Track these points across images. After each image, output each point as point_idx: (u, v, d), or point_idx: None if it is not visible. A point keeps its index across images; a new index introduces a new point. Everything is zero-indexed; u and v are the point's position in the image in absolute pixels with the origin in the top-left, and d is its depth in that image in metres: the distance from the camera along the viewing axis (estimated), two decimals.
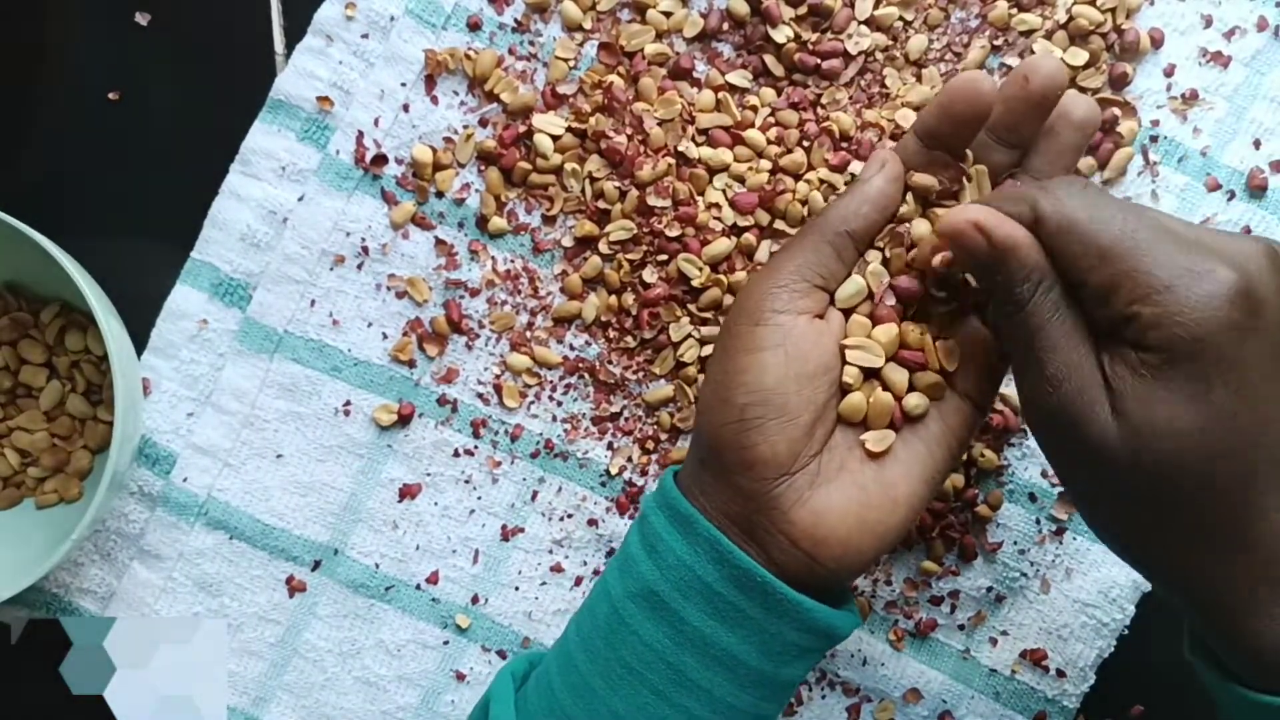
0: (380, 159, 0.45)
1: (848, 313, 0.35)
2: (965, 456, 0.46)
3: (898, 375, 0.35)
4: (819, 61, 0.45)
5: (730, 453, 0.33)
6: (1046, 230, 0.30)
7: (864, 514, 0.33)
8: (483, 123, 0.46)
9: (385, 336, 0.46)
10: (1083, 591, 0.47)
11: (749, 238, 0.45)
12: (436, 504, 0.47)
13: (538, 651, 0.40)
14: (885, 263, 0.35)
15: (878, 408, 0.34)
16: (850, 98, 0.46)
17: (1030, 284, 0.30)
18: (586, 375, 0.47)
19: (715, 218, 0.45)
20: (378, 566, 0.47)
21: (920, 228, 0.35)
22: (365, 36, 0.45)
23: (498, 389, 0.46)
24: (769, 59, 0.45)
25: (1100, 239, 0.29)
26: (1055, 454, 0.33)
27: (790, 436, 0.33)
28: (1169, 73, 0.46)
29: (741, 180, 0.45)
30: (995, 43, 0.46)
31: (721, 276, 0.45)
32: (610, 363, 0.46)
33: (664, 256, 0.45)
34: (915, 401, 0.34)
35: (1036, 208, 0.30)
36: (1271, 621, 0.30)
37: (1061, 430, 0.31)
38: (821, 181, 0.45)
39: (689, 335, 0.45)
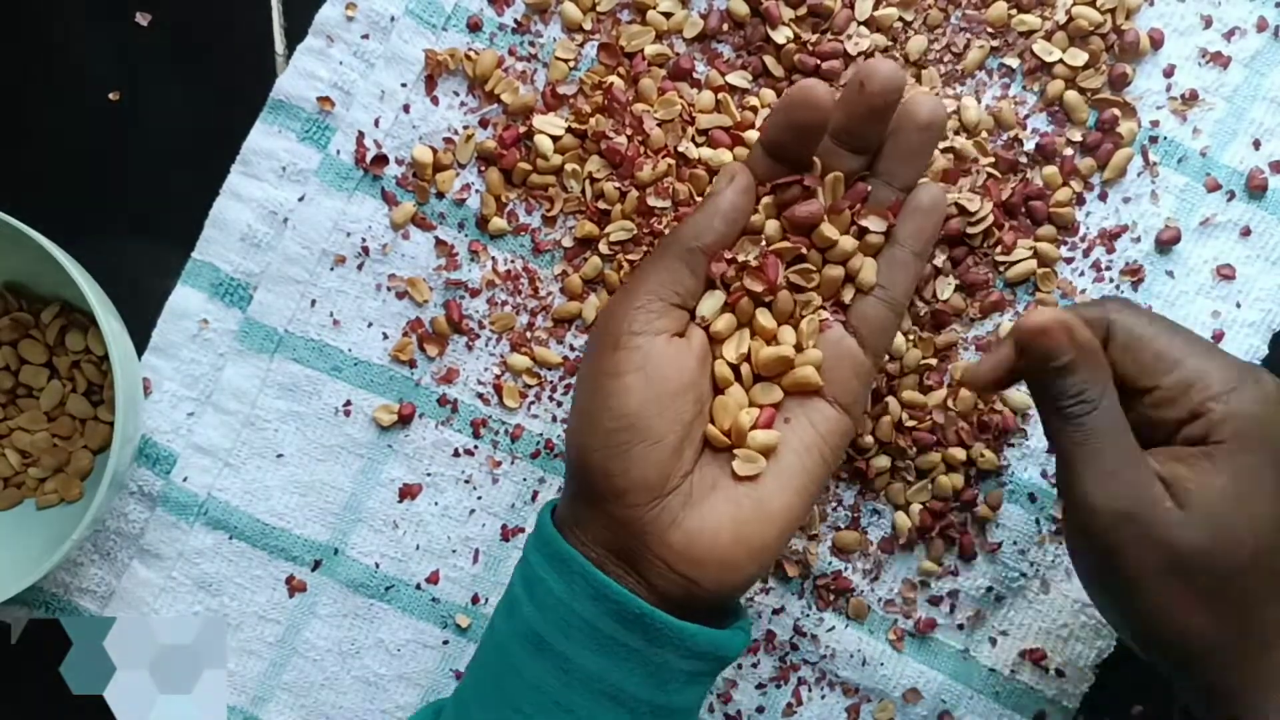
0: (381, 159, 0.45)
1: (708, 329, 0.36)
2: (965, 456, 0.46)
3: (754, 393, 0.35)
4: (819, 62, 0.45)
5: (600, 480, 0.33)
6: (1118, 341, 0.34)
7: (739, 530, 0.33)
8: (483, 123, 0.46)
9: (385, 336, 0.46)
10: (1082, 592, 0.47)
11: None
12: (437, 504, 0.47)
13: (443, 699, 0.39)
14: (740, 269, 0.35)
15: (738, 431, 0.34)
16: None
17: (1101, 385, 0.33)
18: None
19: None
20: (378, 566, 0.47)
21: (771, 228, 0.35)
22: (366, 37, 0.45)
23: (498, 389, 0.46)
24: (769, 60, 0.45)
25: (1172, 349, 0.34)
26: (1104, 550, 0.34)
27: (658, 459, 0.33)
28: (1169, 73, 0.46)
29: None
30: (994, 43, 0.46)
31: None
32: None
33: None
34: (764, 439, 0.34)
35: (1110, 320, 0.34)
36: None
37: (1120, 522, 0.32)
38: None
39: None
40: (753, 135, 0.45)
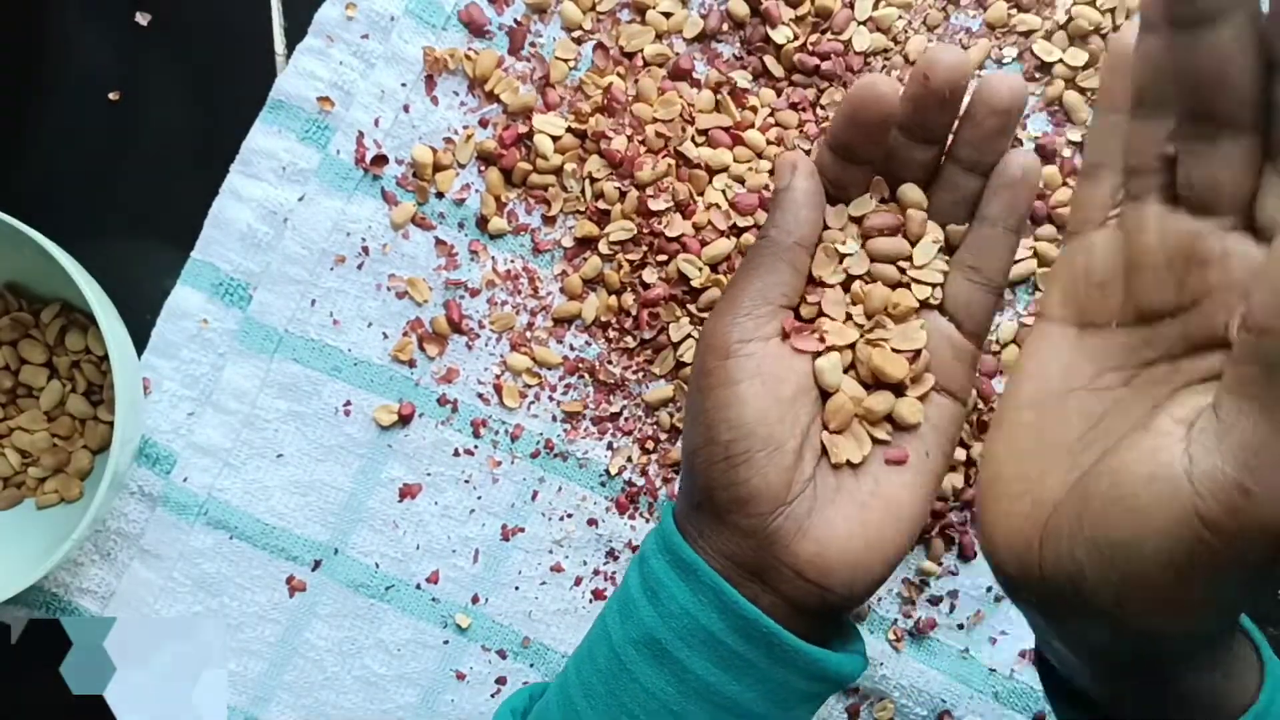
0: (380, 159, 0.45)
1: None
2: (965, 456, 0.46)
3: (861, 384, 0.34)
4: (819, 62, 0.45)
5: (722, 492, 0.32)
6: None
7: (868, 533, 0.32)
8: (483, 123, 0.46)
9: (385, 336, 0.46)
10: None
11: (749, 238, 0.45)
12: (437, 504, 0.47)
13: (539, 685, 0.39)
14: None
15: (843, 415, 0.33)
16: None
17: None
18: (586, 375, 0.47)
19: (714, 218, 0.45)
20: (378, 566, 0.47)
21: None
22: (365, 37, 0.45)
23: (498, 389, 0.46)
24: (769, 59, 0.45)
25: None
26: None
27: (780, 465, 0.32)
28: None
29: (741, 181, 0.45)
30: (995, 43, 0.46)
31: (721, 276, 0.45)
32: (610, 363, 0.46)
33: (664, 257, 0.45)
34: (908, 409, 0.33)
35: None
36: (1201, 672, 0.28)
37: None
38: None
39: (689, 335, 0.45)
40: (753, 135, 0.45)
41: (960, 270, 0.33)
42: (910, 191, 0.33)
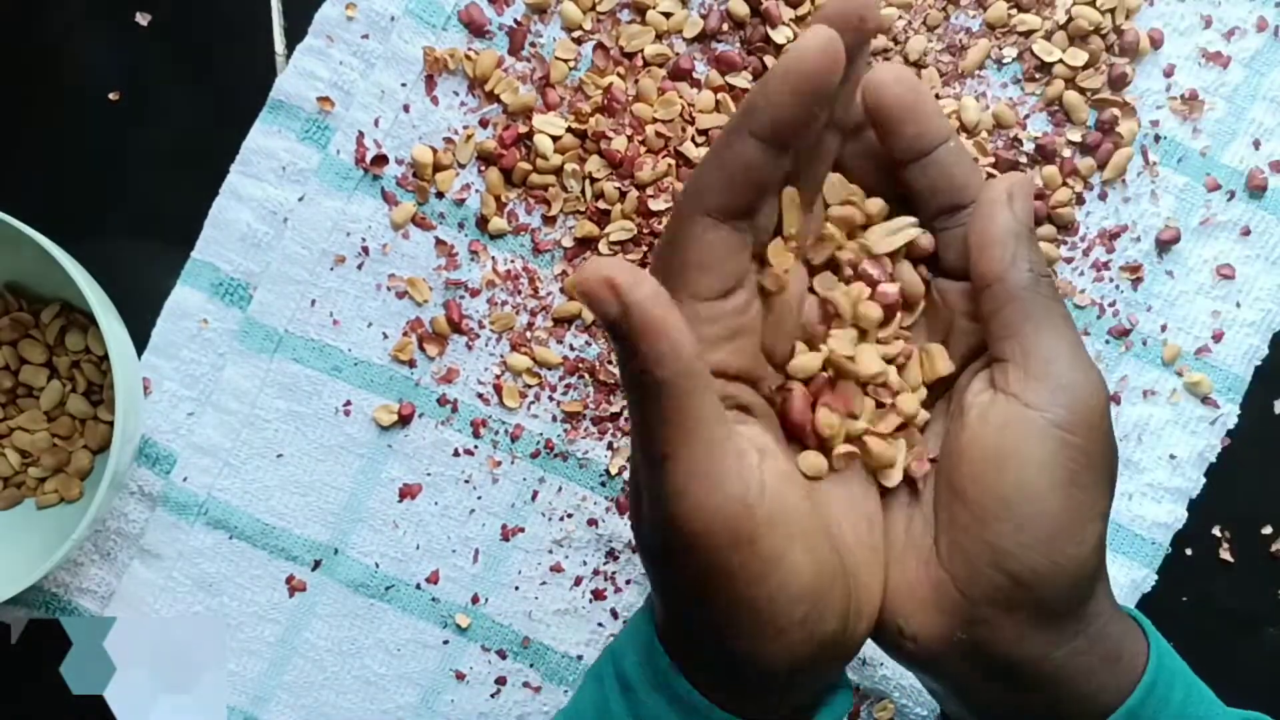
0: (380, 159, 0.45)
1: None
2: None
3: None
4: None
5: (813, 670, 0.28)
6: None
7: (915, 584, 0.30)
8: (483, 123, 0.46)
9: (385, 336, 0.46)
10: None
11: None
12: (436, 504, 0.47)
13: None
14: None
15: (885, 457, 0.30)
16: None
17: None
18: (587, 375, 0.47)
19: None
20: (378, 566, 0.47)
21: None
22: (365, 37, 0.45)
23: (498, 389, 0.46)
24: (769, 60, 0.45)
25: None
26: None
27: (846, 588, 0.28)
28: (1169, 73, 0.46)
29: None
30: (995, 43, 0.46)
31: None
32: (610, 363, 0.46)
33: None
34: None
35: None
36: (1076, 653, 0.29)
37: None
38: None
39: None
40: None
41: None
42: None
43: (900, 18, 0.45)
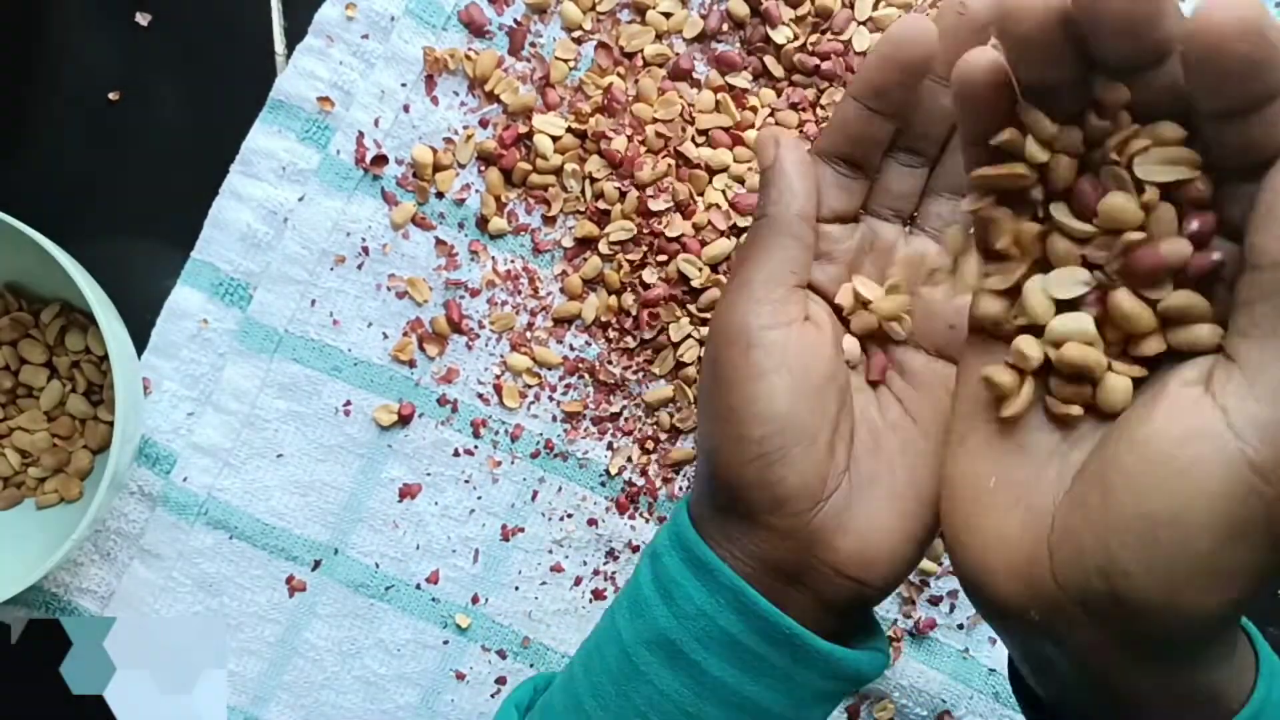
0: (380, 159, 0.45)
1: (837, 307, 0.32)
2: None
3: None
4: (819, 62, 0.45)
5: (757, 492, 0.30)
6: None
7: (905, 524, 0.31)
8: (483, 123, 0.46)
9: (385, 336, 0.46)
10: None
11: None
12: (436, 504, 0.47)
13: (543, 675, 0.38)
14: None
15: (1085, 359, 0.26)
16: None
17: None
18: (586, 375, 0.47)
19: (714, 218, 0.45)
20: (378, 566, 0.47)
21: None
22: (365, 37, 0.45)
23: (498, 389, 0.46)
24: (769, 60, 0.45)
25: None
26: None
27: (816, 459, 0.30)
28: None
29: (741, 181, 0.45)
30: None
31: (721, 276, 0.45)
32: (610, 363, 0.46)
33: (664, 257, 0.45)
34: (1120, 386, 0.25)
35: None
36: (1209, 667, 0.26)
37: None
38: None
39: (689, 335, 0.45)
40: (753, 135, 0.45)
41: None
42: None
43: (900, 18, 0.45)
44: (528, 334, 0.46)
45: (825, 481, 0.30)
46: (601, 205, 0.45)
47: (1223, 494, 0.22)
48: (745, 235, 0.33)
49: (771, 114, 0.46)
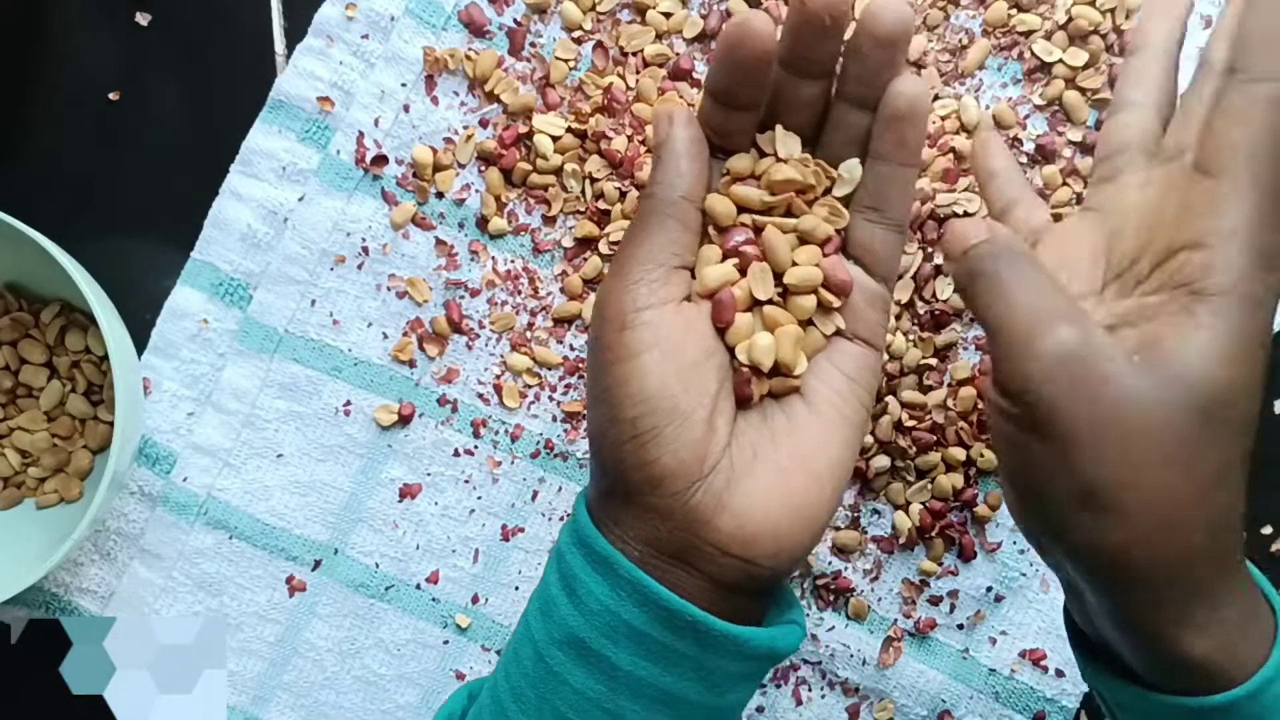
0: (380, 159, 0.45)
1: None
2: (964, 456, 0.46)
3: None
4: None
5: (634, 472, 0.30)
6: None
7: (791, 499, 0.31)
8: (483, 123, 0.46)
9: (386, 336, 0.46)
10: None
11: None
12: (437, 504, 0.47)
13: (475, 682, 0.37)
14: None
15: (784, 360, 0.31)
16: None
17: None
18: (586, 375, 0.47)
19: None
20: (378, 566, 0.47)
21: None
22: (365, 37, 0.45)
23: (498, 389, 0.46)
24: None
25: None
26: (1042, 407, 0.30)
27: (691, 438, 0.30)
28: None
29: None
30: (994, 43, 0.46)
31: None
32: None
33: None
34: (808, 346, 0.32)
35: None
36: (1200, 633, 0.29)
37: (1062, 366, 0.29)
38: None
39: None
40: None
41: (859, 212, 0.32)
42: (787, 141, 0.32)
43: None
44: (528, 334, 0.46)
45: (704, 460, 0.30)
46: (601, 205, 0.45)
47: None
48: (633, 213, 0.33)
49: None
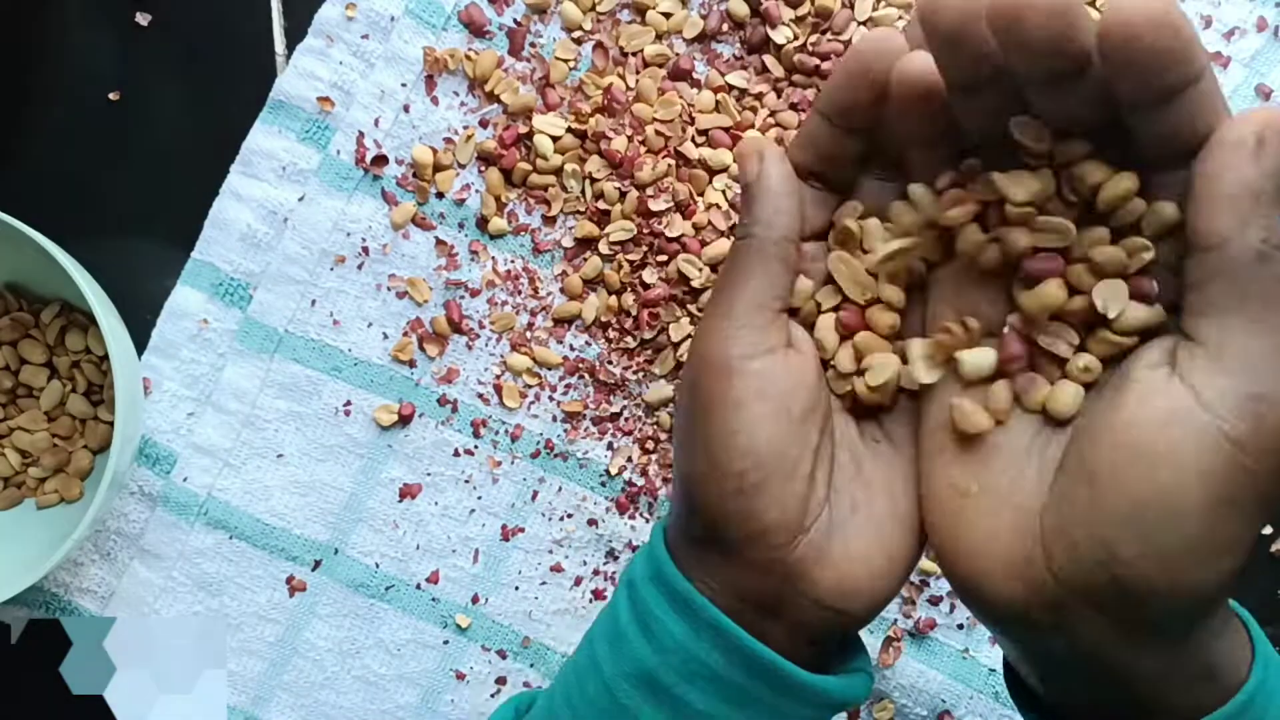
0: (381, 159, 0.45)
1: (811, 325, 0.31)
2: None
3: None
4: (819, 62, 0.45)
5: (736, 526, 0.29)
6: None
7: (888, 549, 0.30)
8: (483, 123, 0.46)
9: (386, 336, 0.46)
10: None
11: None
12: (437, 504, 0.47)
13: (522, 696, 0.37)
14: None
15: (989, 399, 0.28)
16: None
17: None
18: (586, 375, 0.47)
19: (714, 218, 0.45)
20: (378, 566, 0.47)
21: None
22: (365, 37, 0.45)
23: (498, 389, 0.46)
24: (769, 60, 0.45)
25: None
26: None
27: (796, 492, 0.29)
28: None
29: None
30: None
31: None
32: (610, 363, 0.46)
33: (664, 257, 0.45)
34: (1069, 398, 0.27)
35: None
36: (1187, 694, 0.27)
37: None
38: None
39: (689, 335, 0.45)
40: (752, 135, 0.45)
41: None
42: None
43: (900, 18, 0.45)
44: (528, 334, 0.46)
45: (805, 514, 0.29)
46: (601, 205, 0.45)
47: (1206, 471, 0.23)
48: (729, 254, 0.31)
49: (771, 114, 0.46)
